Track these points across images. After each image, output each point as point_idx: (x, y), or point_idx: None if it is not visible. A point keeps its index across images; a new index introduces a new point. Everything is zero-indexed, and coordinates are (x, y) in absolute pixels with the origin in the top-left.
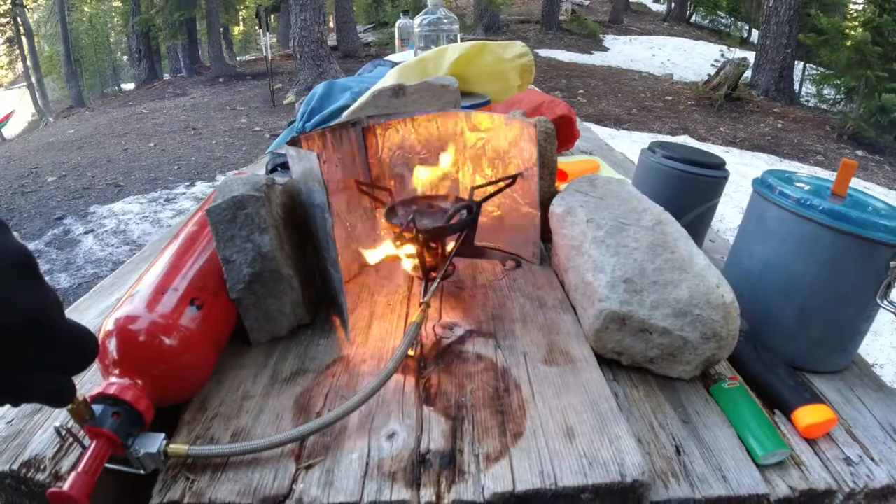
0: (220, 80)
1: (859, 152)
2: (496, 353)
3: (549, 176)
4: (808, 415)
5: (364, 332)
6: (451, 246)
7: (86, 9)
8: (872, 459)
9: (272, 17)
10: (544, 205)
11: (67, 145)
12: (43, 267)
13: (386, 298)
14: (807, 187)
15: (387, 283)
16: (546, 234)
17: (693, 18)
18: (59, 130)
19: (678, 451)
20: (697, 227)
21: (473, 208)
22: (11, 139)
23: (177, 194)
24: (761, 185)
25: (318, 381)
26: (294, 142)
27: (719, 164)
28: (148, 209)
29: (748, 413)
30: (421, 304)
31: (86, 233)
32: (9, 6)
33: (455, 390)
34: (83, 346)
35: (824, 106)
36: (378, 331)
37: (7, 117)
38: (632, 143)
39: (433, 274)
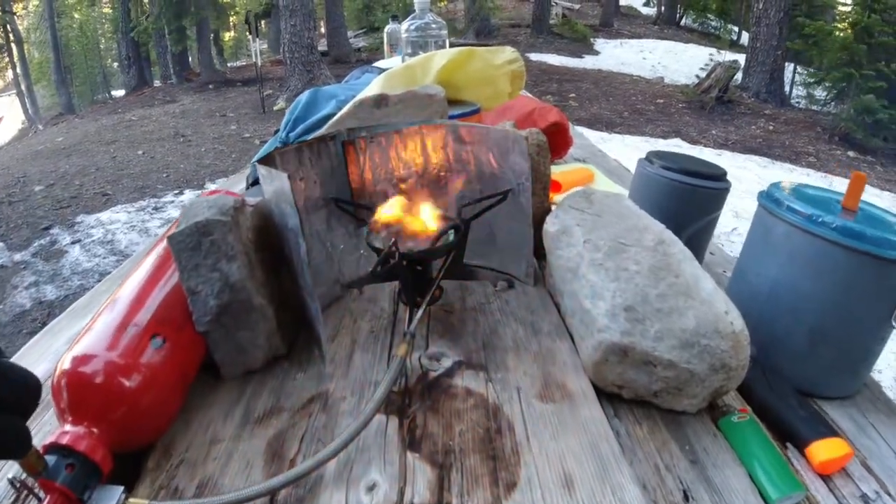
0: (210, 86)
1: (850, 153)
2: (487, 387)
3: (542, 190)
4: (823, 450)
5: (345, 364)
6: (438, 269)
7: (76, 15)
8: (889, 495)
9: (263, 22)
10: (538, 221)
11: (56, 153)
12: (29, 279)
13: (369, 324)
14: (816, 201)
15: (370, 306)
16: (539, 252)
17: (683, 21)
18: (48, 138)
19: (686, 497)
20: (698, 241)
21: (462, 227)
22: (0, 147)
23: (165, 203)
24: (768, 200)
25: (294, 421)
26: (268, 159)
27: (720, 175)
28: (136, 218)
29: (760, 450)
30: (405, 336)
31: (73, 243)
32: None
33: (442, 432)
34: (21, 388)
35: (815, 107)
36: (360, 362)
37: None
38: (624, 147)
39: (418, 300)
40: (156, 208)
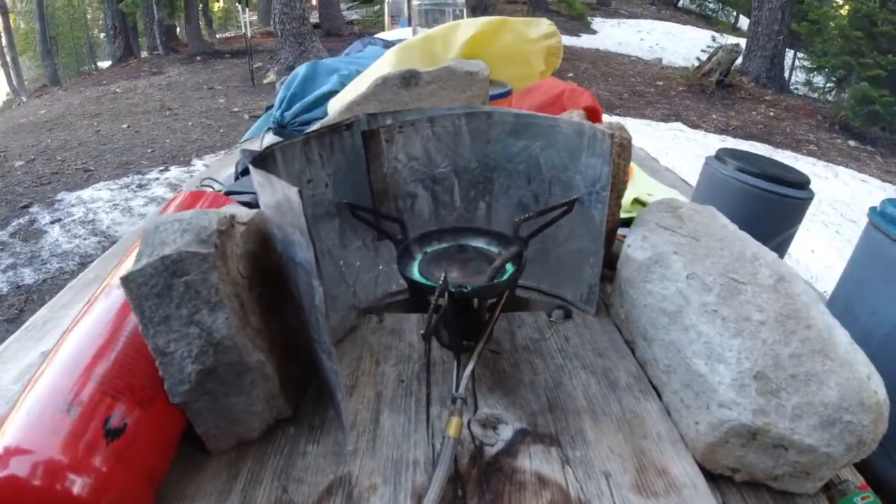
0: (198, 58)
1: (851, 142)
2: (565, 472)
3: (615, 200)
4: None
5: (370, 431)
6: (491, 307)
7: None
8: None
9: None
10: (607, 237)
11: (38, 127)
12: (6, 261)
13: (396, 369)
14: None
15: (395, 342)
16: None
17: (681, 3)
18: (31, 111)
19: None
20: None
21: (523, 252)
22: None
23: (150, 180)
24: (884, 220)
25: None
26: (264, 158)
27: (804, 182)
28: (119, 196)
29: None
30: (454, 402)
31: (52, 222)
32: None
33: None
34: None
35: (814, 95)
36: (390, 428)
37: None
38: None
39: (466, 344)
40: (140, 185)
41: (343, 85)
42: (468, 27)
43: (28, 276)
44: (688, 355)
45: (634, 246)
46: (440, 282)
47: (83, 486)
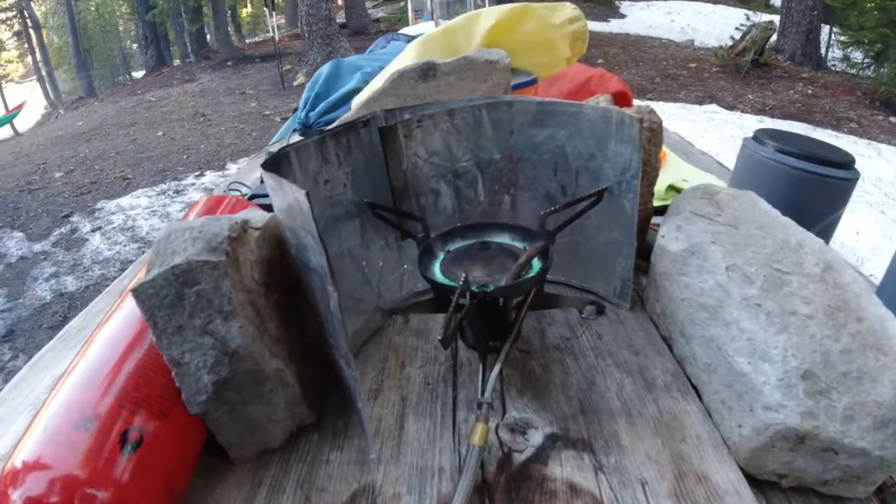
0: (229, 63)
1: (893, 118)
2: (598, 479)
3: (647, 189)
4: None
5: (394, 437)
6: (518, 305)
7: None
8: None
9: None
10: (640, 228)
11: (76, 138)
12: (49, 269)
13: (421, 371)
14: None
15: (420, 343)
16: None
17: None
18: (68, 123)
19: None
20: None
21: (549, 247)
22: (23, 133)
23: (186, 185)
24: None
25: None
26: (278, 161)
27: (848, 162)
28: (156, 203)
29: None
30: (479, 408)
31: (93, 231)
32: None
33: None
34: None
35: (852, 70)
36: (415, 433)
37: (18, 107)
38: (660, 116)
39: (492, 344)
40: (177, 191)
41: (366, 82)
42: (489, 16)
43: (70, 283)
44: (729, 353)
45: (669, 237)
46: (461, 282)
47: (102, 502)
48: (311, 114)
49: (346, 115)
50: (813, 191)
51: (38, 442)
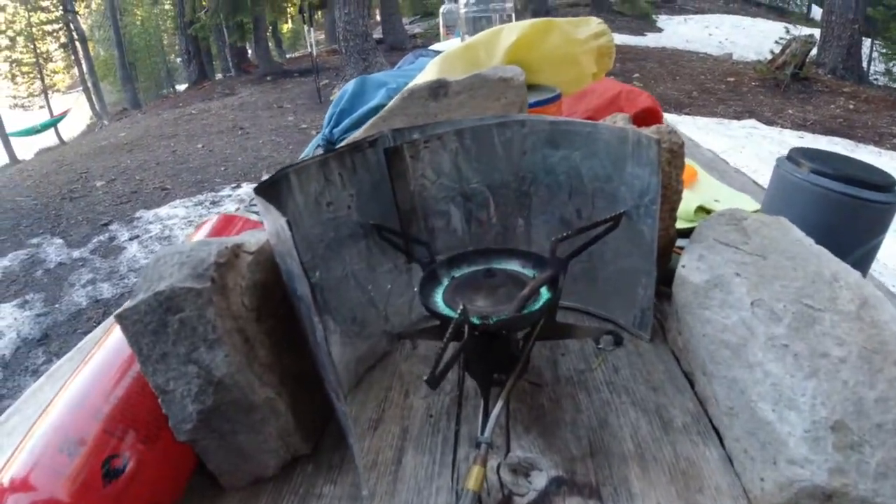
0: (268, 78)
1: None
2: None
3: (668, 213)
4: None
5: (390, 472)
6: (526, 337)
7: (138, 12)
8: None
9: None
10: (661, 254)
11: (118, 148)
12: (86, 276)
13: (425, 402)
14: None
15: (426, 370)
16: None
17: None
18: (112, 133)
19: None
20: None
21: (559, 276)
22: (68, 142)
23: (223, 196)
24: None
25: None
26: (276, 182)
27: (890, 184)
28: (193, 213)
29: None
30: (477, 448)
31: (131, 239)
32: (60, 12)
33: None
34: None
35: (895, 84)
36: (412, 470)
37: (63, 113)
38: (697, 130)
39: (497, 377)
40: (213, 202)
41: (391, 98)
42: (511, 32)
43: (106, 290)
44: (752, 398)
45: (690, 266)
46: (458, 312)
47: None
48: (336, 130)
49: (356, 135)
50: (850, 215)
51: (24, 462)
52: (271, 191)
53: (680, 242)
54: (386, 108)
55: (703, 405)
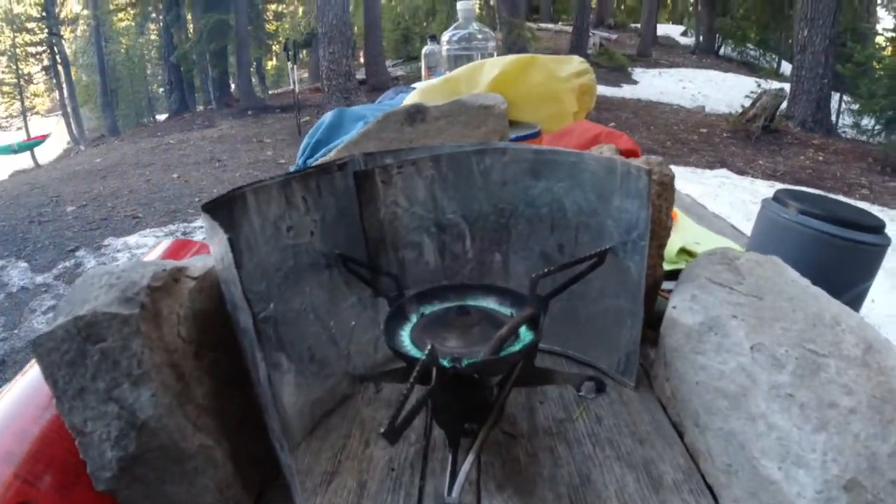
0: (249, 112)
1: None
2: None
3: (657, 251)
4: None
5: None
6: (502, 382)
7: (123, 41)
8: None
9: (304, 52)
10: (647, 295)
11: (92, 174)
12: (48, 302)
13: (387, 453)
14: None
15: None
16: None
17: (722, 51)
18: (87, 159)
19: None
20: None
21: (539, 315)
22: (43, 165)
23: (195, 227)
24: None
25: None
26: (229, 201)
27: (878, 226)
28: None
29: None
30: None
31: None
32: (45, 35)
33: None
34: None
35: (863, 137)
36: None
37: (42, 137)
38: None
39: (467, 427)
40: (185, 233)
41: None
42: (494, 66)
43: None
44: (755, 454)
45: (682, 307)
46: (426, 353)
47: None
48: (310, 161)
49: (323, 159)
50: (841, 257)
51: None
52: (221, 210)
53: (665, 285)
54: (359, 132)
55: (694, 460)
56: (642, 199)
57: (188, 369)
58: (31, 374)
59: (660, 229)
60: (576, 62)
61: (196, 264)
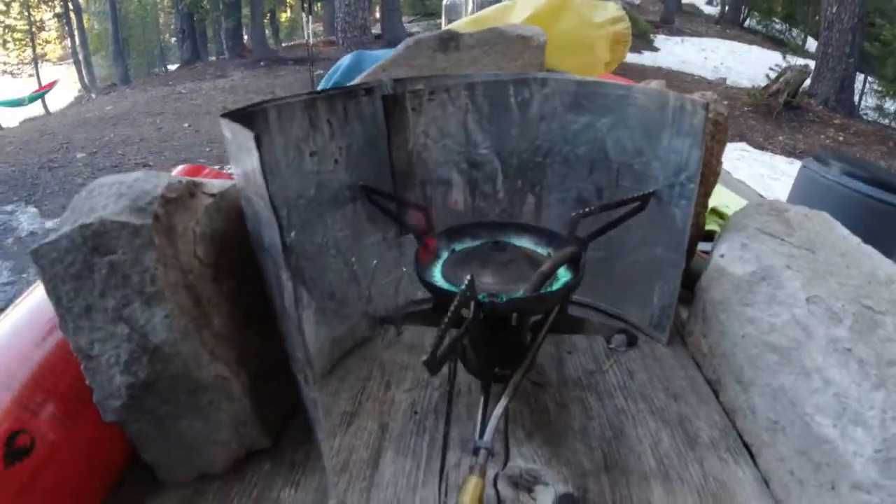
0: (262, 63)
1: None
2: None
3: (703, 199)
4: None
5: (365, 478)
6: (535, 326)
7: None
8: None
9: (319, 4)
10: (689, 246)
11: (102, 122)
12: None
13: (410, 396)
14: None
15: (412, 360)
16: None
17: (746, 23)
18: (98, 107)
19: None
20: None
21: (581, 255)
22: (54, 112)
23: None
24: None
25: None
26: (250, 116)
27: None
28: None
29: None
30: (475, 454)
31: None
32: None
33: None
34: None
35: (885, 121)
36: (391, 476)
37: (50, 86)
38: None
39: (499, 372)
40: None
41: None
42: (525, 7)
43: None
44: (807, 410)
45: (730, 256)
46: (464, 286)
47: None
48: None
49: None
50: (886, 221)
51: None
52: (243, 120)
53: (700, 246)
54: (387, 57)
55: (730, 418)
56: (696, 137)
57: (206, 293)
58: (34, 296)
59: (709, 174)
60: (612, 8)
61: (213, 182)
